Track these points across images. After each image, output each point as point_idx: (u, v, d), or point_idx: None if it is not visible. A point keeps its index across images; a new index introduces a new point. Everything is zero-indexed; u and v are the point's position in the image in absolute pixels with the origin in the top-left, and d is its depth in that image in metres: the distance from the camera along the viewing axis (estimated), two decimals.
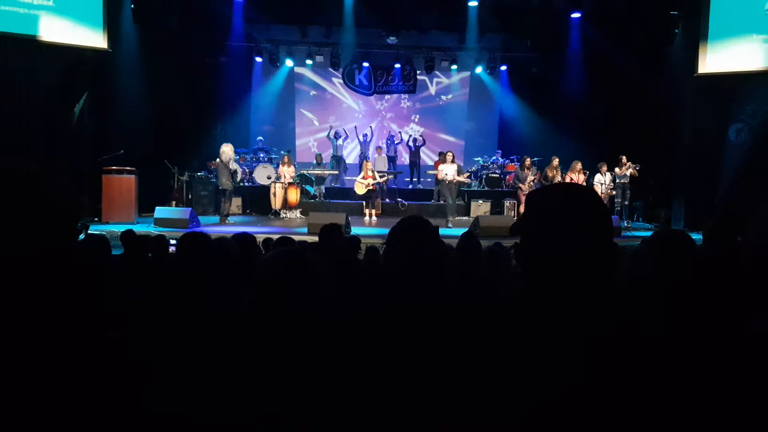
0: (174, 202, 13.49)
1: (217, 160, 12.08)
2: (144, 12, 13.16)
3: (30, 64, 11.07)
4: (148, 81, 13.29)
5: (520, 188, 12.61)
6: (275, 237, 6.17)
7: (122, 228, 6.76)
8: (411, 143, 17.04)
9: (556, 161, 12.55)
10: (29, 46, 11.16)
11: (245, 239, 3.77)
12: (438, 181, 13.52)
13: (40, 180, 1.21)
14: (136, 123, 12.95)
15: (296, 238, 6.15)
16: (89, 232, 7.43)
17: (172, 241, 5.68)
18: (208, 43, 15.37)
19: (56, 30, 11.47)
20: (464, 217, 13.78)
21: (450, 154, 12.59)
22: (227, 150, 11.90)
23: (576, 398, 1.02)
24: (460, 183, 12.51)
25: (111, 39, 12.20)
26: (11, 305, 1.12)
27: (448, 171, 12.13)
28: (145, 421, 1.28)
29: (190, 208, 11.66)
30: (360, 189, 13.32)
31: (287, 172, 13.45)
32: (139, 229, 9.21)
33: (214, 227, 10.97)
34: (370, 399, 1.33)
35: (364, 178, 13.23)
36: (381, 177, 13.72)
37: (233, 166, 12.09)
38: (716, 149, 12.42)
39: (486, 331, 1.18)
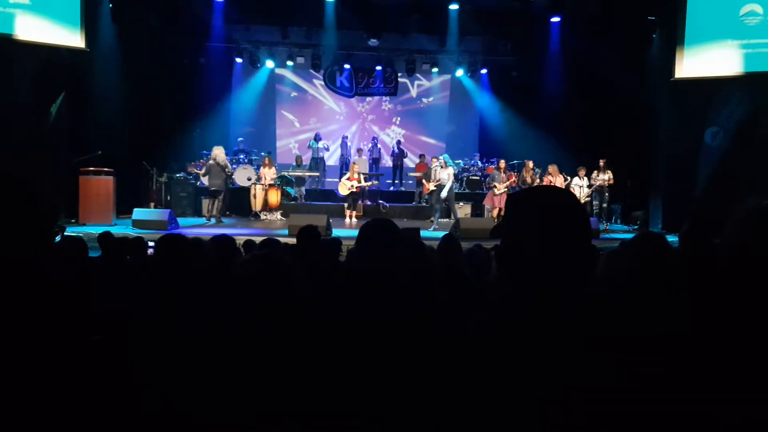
0: (152, 204, 13.36)
1: (210, 162, 12.13)
2: (122, 11, 13.01)
3: (6, 63, 10.89)
4: (127, 81, 13.15)
5: (495, 187, 12.70)
6: (256, 239, 6.14)
7: (100, 230, 6.67)
8: (395, 146, 17.11)
9: (530, 164, 12.71)
10: (5, 45, 10.98)
11: (224, 241, 3.74)
12: (420, 184, 13.56)
13: (14, 182, 1.19)
14: (114, 124, 12.80)
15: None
16: (66, 233, 7.32)
17: (151, 243, 5.63)
18: (188, 43, 15.25)
19: (33, 29, 11.29)
20: (445, 219, 13.83)
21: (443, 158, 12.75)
22: (220, 153, 12.16)
23: (558, 401, 1.03)
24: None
25: (88, 38, 12.03)
26: None
27: (444, 176, 12.25)
28: (126, 423, 1.27)
29: (168, 210, 11.57)
30: (343, 190, 13.31)
31: (268, 173, 13.40)
32: (117, 230, 9.11)
33: (198, 229, 10.90)
34: (347, 400, 1.32)
35: (349, 179, 13.21)
36: (366, 181, 13.72)
37: (230, 168, 12.62)
38: (693, 152, 12.60)
39: (464, 333, 1.18)
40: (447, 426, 1.08)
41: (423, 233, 8.87)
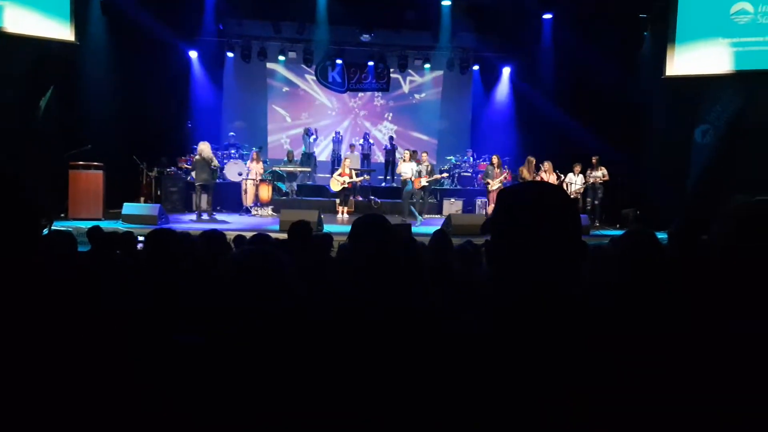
0: (143, 198, 13.30)
1: (196, 156, 12.07)
2: (112, 4, 12.92)
3: None
4: (117, 75, 13.07)
5: (488, 184, 12.72)
6: (246, 234, 6.13)
7: (89, 224, 6.62)
8: (387, 142, 17.08)
9: (533, 161, 12.72)
10: None
11: (214, 236, 3.72)
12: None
13: (2, 178, 1.18)
14: (104, 117, 12.72)
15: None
16: (55, 227, 7.28)
17: (141, 238, 5.60)
18: (179, 37, 15.16)
19: (22, 21, 11.19)
20: (437, 215, 13.90)
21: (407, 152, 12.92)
22: (206, 148, 12.01)
23: (549, 400, 1.03)
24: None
25: (78, 31, 11.94)
26: None
27: (405, 170, 12.43)
28: (115, 419, 1.26)
29: (158, 205, 11.53)
30: (335, 186, 13.28)
31: (256, 168, 13.36)
32: (107, 225, 9.06)
33: (189, 224, 10.87)
34: (343, 397, 1.32)
35: (341, 175, 13.19)
36: (358, 176, 13.70)
37: (216, 162, 12.41)
38: (683, 150, 12.67)
39: (453, 332, 1.18)
40: (443, 423, 1.08)
41: (414, 229, 8.89)
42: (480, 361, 1.08)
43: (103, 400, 1.22)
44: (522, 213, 1.16)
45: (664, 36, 12.84)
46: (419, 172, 12.81)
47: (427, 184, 12.86)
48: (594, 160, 13.01)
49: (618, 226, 12.92)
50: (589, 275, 2.29)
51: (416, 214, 12.36)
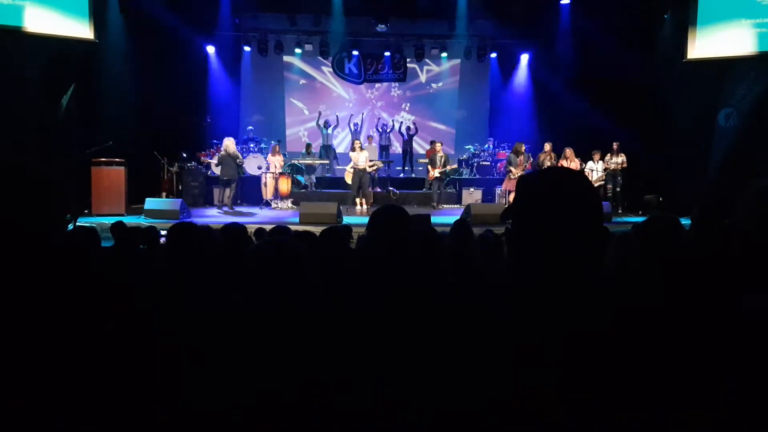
0: (164, 193, 13.44)
1: (222, 152, 12.39)
2: (130, 1, 13.03)
3: (16, 55, 10.95)
4: (136, 71, 13.20)
5: (511, 172, 12.60)
6: (266, 227, 6.17)
7: (112, 220, 6.71)
8: (404, 131, 17.00)
9: (548, 147, 12.60)
10: (14, 37, 11.03)
11: (235, 230, 3.75)
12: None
13: (26, 171, 1.20)
14: (125, 114, 12.88)
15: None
16: (79, 223, 7.39)
17: (163, 232, 5.66)
18: (196, 32, 15.24)
19: (42, 21, 11.35)
20: (456, 205, 13.88)
21: (357, 142, 13.36)
22: (231, 144, 12.42)
23: (571, 386, 1.02)
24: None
25: (97, 29, 12.08)
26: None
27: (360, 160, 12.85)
28: (137, 415, 1.27)
29: (180, 199, 11.65)
30: (350, 177, 13.34)
31: (276, 161, 13.42)
32: (130, 220, 9.18)
33: (210, 217, 10.98)
34: (361, 392, 1.33)
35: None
36: (371, 166, 13.71)
37: (241, 159, 12.95)
38: (706, 134, 12.47)
39: (475, 320, 1.18)
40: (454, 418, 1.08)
41: (434, 219, 8.88)
42: (500, 349, 1.08)
43: (111, 395, 1.24)
44: (542, 199, 1.15)
45: (685, 18, 12.62)
46: (434, 163, 12.86)
47: (440, 174, 12.89)
48: (615, 147, 12.84)
49: (641, 212, 12.78)
50: (611, 262, 2.27)
51: (357, 203, 12.85)
